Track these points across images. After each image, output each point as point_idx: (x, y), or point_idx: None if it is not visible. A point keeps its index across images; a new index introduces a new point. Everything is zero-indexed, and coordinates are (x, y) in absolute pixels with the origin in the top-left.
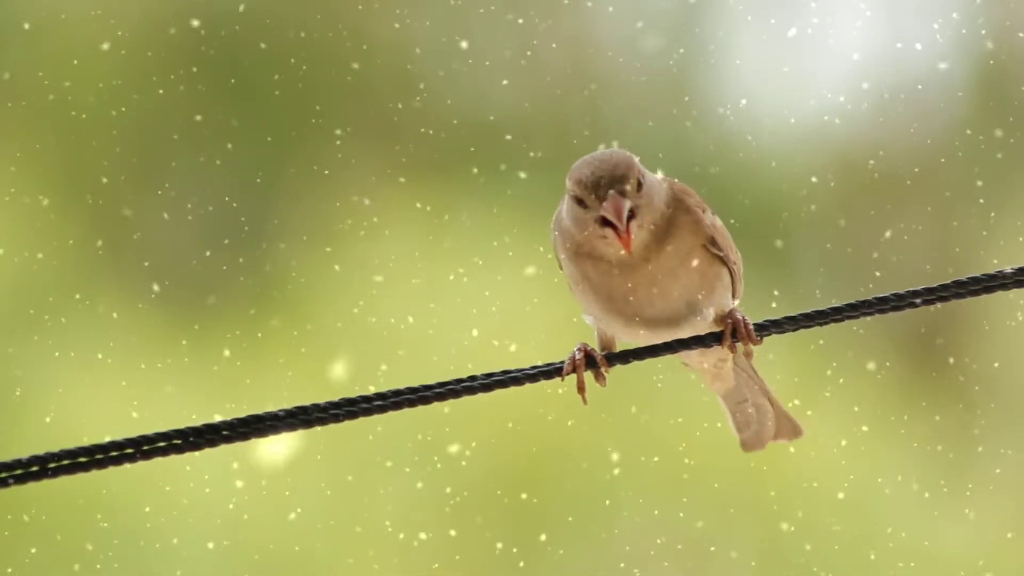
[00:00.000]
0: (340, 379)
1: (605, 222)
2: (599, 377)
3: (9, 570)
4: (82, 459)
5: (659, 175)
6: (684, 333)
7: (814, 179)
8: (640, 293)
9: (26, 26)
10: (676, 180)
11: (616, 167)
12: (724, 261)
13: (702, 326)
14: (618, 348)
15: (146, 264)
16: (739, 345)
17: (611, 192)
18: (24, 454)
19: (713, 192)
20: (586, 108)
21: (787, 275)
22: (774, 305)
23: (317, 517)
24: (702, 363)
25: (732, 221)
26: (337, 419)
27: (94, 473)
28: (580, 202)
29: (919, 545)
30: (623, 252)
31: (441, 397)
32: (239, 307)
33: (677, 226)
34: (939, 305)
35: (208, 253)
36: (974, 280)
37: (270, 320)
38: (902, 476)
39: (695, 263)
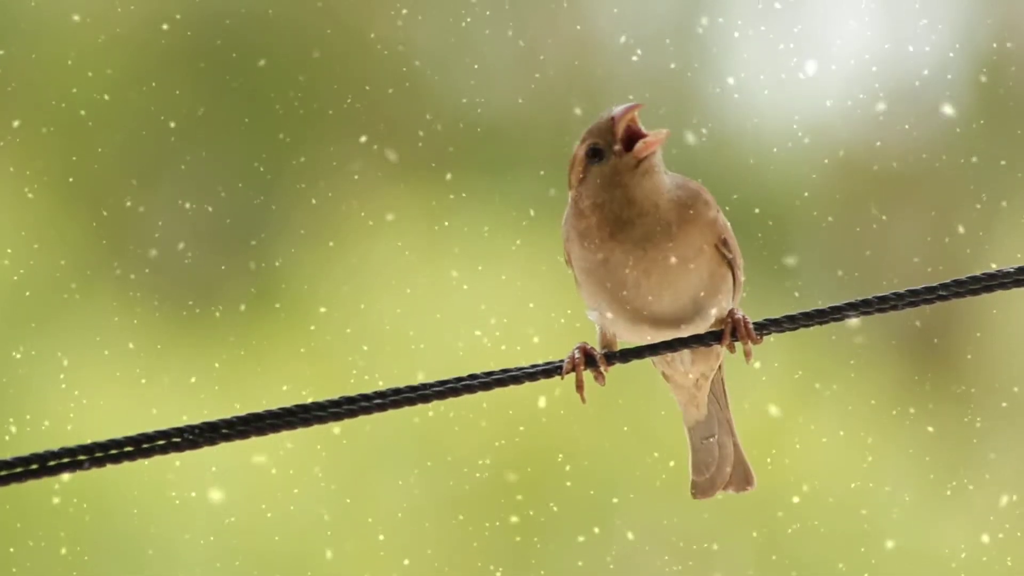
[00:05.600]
0: (339, 378)
1: (628, 145)
2: (598, 376)
3: (7, 568)
4: (81, 457)
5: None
6: (686, 334)
7: (814, 179)
8: (653, 280)
9: (25, 24)
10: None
11: (625, 108)
12: (731, 265)
13: (703, 327)
14: (619, 348)
15: (146, 264)
16: (738, 345)
17: (618, 122)
18: (24, 452)
19: (713, 192)
20: (586, 108)
21: (787, 275)
22: (774, 305)
23: (317, 517)
24: (687, 375)
25: (730, 217)
26: (337, 418)
27: (93, 471)
28: (597, 154)
29: (919, 545)
30: (649, 157)
31: (441, 396)
32: (239, 306)
33: (695, 216)
34: (939, 305)
35: (208, 252)
36: (974, 280)
37: (270, 319)
38: (902, 476)
39: (706, 260)
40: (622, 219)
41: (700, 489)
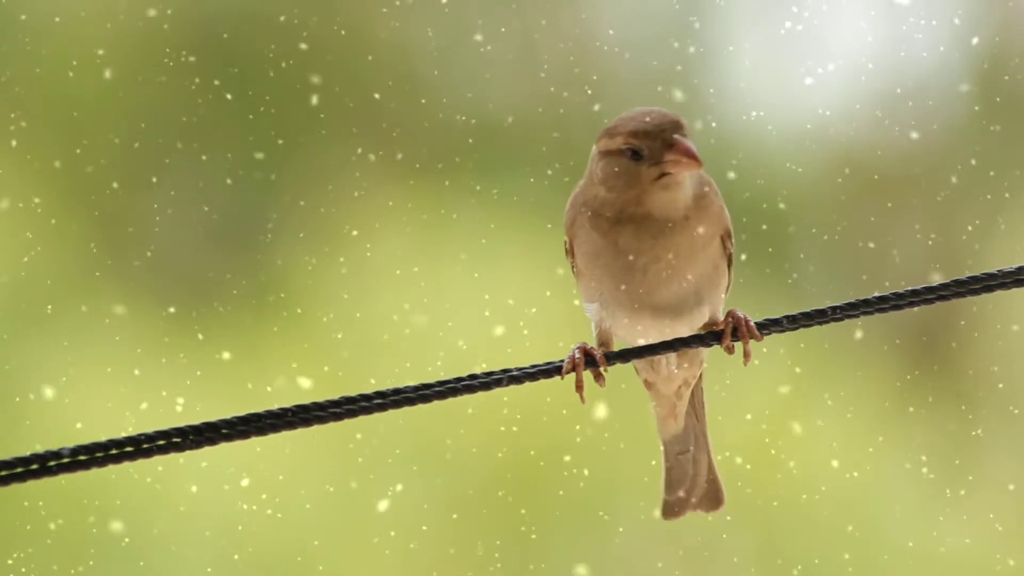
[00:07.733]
0: (339, 378)
1: (667, 160)
2: (598, 377)
3: (6, 570)
4: (82, 457)
5: None
6: (683, 328)
7: (815, 180)
8: (662, 266)
9: (23, 22)
10: None
11: (674, 116)
12: (730, 261)
13: (699, 322)
14: (615, 348)
15: (145, 264)
16: (737, 345)
17: (676, 136)
18: (24, 452)
19: None
20: (586, 108)
21: (787, 275)
22: (774, 305)
23: (317, 516)
24: (671, 381)
25: (731, 218)
26: (337, 418)
27: (94, 472)
28: (635, 154)
29: (920, 545)
30: (693, 173)
31: (441, 396)
32: (239, 306)
33: (707, 206)
34: (939, 305)
35: (208, 252)
36: (974, 280)
37: (270, 319)
38: (902, 475)
39: (713, 251)
40: (627, 212)
41: (671, 509)
